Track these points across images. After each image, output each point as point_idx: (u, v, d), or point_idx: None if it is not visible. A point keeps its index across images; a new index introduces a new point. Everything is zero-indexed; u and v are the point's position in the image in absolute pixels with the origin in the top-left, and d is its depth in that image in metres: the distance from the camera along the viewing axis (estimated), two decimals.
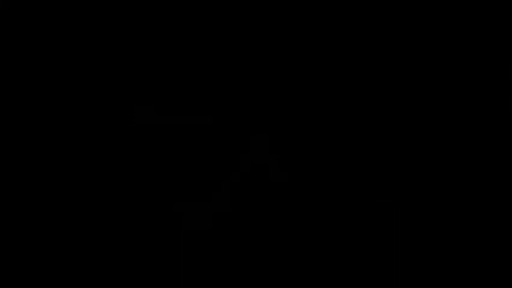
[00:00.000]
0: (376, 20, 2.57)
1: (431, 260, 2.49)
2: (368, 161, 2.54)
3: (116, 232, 2.51)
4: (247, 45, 2.58)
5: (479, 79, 2.54)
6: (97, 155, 2.54)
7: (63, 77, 2.57)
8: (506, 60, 2.54)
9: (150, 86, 2.58)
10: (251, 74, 2.58)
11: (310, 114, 2.56)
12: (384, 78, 2.56)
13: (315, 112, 2.56)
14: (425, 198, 2.51)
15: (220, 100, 2.57)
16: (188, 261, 2.51)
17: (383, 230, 2.51)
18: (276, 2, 2.58)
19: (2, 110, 2.55)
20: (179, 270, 2.51)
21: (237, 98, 2.57)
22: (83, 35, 2.58)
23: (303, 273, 2.50)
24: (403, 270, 2.49)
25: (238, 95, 2.57)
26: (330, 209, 2.52)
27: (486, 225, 2.49)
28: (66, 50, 2.58)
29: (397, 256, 2.50)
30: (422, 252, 2.50)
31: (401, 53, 2.56)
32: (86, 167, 2.54)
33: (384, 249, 2.50)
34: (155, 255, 2.51)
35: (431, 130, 2.53)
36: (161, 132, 2.55)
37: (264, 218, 2.53)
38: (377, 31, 2.57)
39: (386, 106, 2.55)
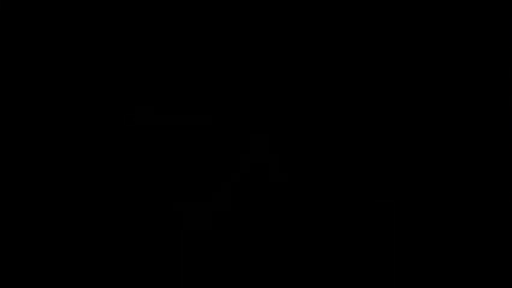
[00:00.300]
0: (376, 20, 2.57)
1: (431, 260, 2.50)
2: (368, 161, 2.54)
3: (116, 232, 2.52)
4: (247, 46, 2.58)
5: (479, 79, 2.54)
6: (97, 155, 2.54)
7: (63, 77, 2.57)
8: (506, 60, 2.54)
9: (150, 86, 2.58)
10: (251, 74, 2.58)
11: (310, 115, 2.56)
12: (384, 78, 2.56)
13: (315, 112, 2.56)
14: (425, 198, 2.51)
15: (220, 100, 2.57)
16: (188, 261, 2.51)
17: (383, 230, 2.51)
18: (275, 2, 2.58)
19: (2, 110, 2.55)
20: (179, 270, 2.51)
21: (237, 98, 2.57)
22: (83, 35, 2.58)
23: (303, 273, 2.50)
24: (403, 270, 2.50)
25: (238, 95, 2.57)
26: (330, 209, 2.52)
27: (486, 225, 2.49)
28: (66, 50, 2.58)
29: (397, 256, 2.50)
30: (422, 252, 2.50)
31: (400, 53, 2.56)
32: (86, 167, 2.54)
33: (384, 249, 2.50)
34: (155, 255, 2.51)
35: (431, 130, 2.53)
36: (161, 132, 2.55)
37: (264, 218, 2.53)
38: (376, 31, 2.57)
39: (385, 106, 2.55)
